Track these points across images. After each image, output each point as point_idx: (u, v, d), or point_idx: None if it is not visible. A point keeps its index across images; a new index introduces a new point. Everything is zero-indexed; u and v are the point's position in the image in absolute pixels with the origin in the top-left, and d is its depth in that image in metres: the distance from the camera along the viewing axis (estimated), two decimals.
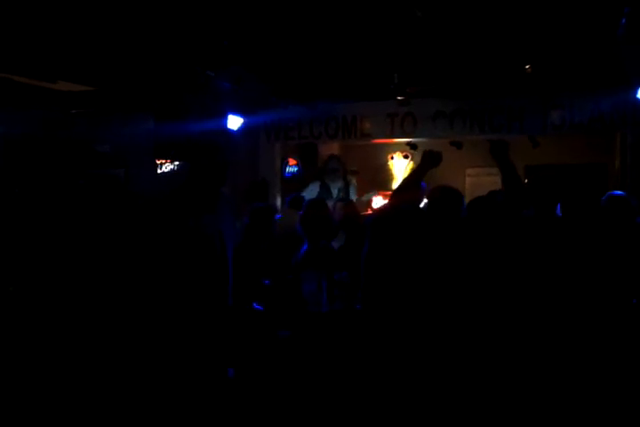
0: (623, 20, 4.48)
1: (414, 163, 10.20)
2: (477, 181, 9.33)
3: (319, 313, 4.15)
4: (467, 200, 3.98)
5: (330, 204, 5.48)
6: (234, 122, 6.71)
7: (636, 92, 5.37)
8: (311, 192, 8.30)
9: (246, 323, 4.39)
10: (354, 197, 8.71)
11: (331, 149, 9.81)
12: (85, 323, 3.93)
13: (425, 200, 4.19)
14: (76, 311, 4.00)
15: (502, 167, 3.53)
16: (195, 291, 3.33)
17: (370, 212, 5.02)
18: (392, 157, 10.36)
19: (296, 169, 9.07)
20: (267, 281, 4.65)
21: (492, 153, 3.54)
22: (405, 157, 10.03)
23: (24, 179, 6.11)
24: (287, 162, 8.93)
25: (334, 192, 8.74)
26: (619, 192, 4.35)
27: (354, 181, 9.52)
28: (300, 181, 9.01)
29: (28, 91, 6.27)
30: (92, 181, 6.62)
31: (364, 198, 8.76)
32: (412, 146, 8.51)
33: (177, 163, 7.37)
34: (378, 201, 8.35)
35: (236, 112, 6.69)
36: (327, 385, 3.89)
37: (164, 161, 7.17)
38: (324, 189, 8.71)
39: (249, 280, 4.66)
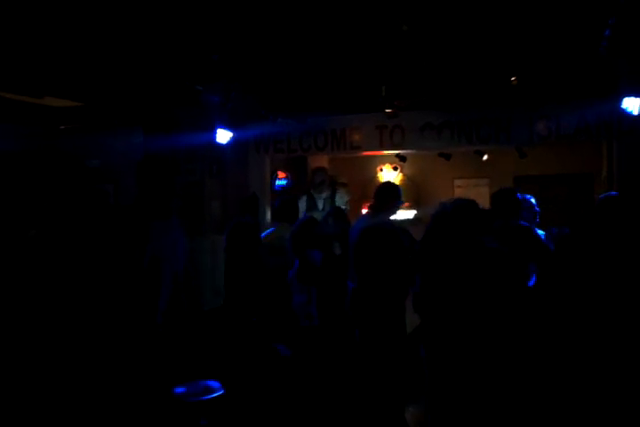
0: (607, 32, 4.53)
1: (403, 174, 10.27)
2: (466, 191, 9.38)
3: (311, 326, 4.13)
4: None
5: (316, 215, 5.48)
6: (223, 136, 6.71)
7: (620, 103, 5.42)
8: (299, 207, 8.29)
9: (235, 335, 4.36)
10: (342, 205, 8.71)
11: (320, 161, 9.83)
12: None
13: None
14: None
15: None
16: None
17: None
18: (381, 169, 10.40)
19: (285, 182, 9.08)
20: None
21: None
22: (395, 168, 10.07)
23: (13, 194, 6.08)
24: (277, 175, 8.95)
25: (319, 204, 8.76)
26: None
27: (342, 189, 9.52)
28: (289, 194, 9.02)
29: (15, 106, 6.25)
30: (82, 196, 6.61)
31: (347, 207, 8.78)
32: (402, 158, 8.54)
33: None
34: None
35: (226, 126, 6.69)
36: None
37: None
38: (312, 203, 8.73)
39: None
